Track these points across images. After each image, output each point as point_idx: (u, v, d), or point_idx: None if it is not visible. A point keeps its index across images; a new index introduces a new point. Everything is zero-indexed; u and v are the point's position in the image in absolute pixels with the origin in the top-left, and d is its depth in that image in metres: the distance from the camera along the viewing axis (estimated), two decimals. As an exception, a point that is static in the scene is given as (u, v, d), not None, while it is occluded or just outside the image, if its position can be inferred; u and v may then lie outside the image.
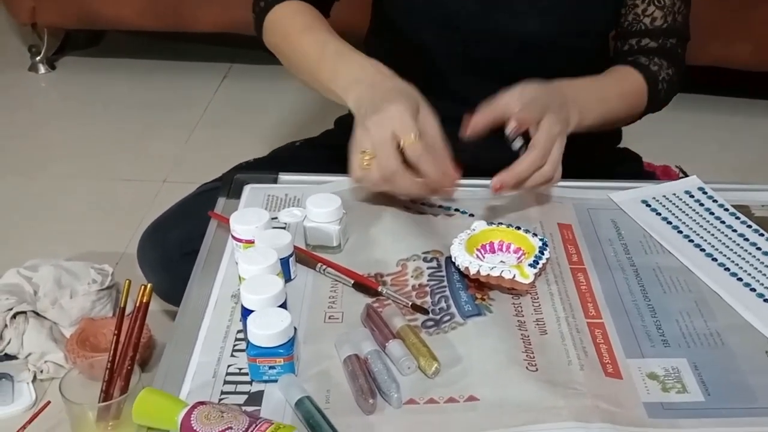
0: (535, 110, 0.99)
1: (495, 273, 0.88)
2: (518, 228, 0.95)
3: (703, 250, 0.99)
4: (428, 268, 0.94)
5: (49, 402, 1.31)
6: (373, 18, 1.29)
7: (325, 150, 1.33)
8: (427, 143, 0.96)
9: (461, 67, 1.19)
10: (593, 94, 1.12)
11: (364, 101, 0.99)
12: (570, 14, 1.16)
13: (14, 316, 1.43)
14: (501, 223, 0.96)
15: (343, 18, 1.28)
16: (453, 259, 0.92)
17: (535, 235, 0.95)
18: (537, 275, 0.89)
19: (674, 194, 1.09)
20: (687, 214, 1.05)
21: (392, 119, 0.94)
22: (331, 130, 1.41)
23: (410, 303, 0.88)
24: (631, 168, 1.35)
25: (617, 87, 1.17)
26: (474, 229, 0.95)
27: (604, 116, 1.14)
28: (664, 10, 1.19)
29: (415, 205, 1.05)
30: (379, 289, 0.90)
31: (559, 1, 1.15)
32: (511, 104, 0.99)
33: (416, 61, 1.18)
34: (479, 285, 0.91)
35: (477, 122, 1.00)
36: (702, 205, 1.07)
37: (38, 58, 2.62)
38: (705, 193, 1.09)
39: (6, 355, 1.42)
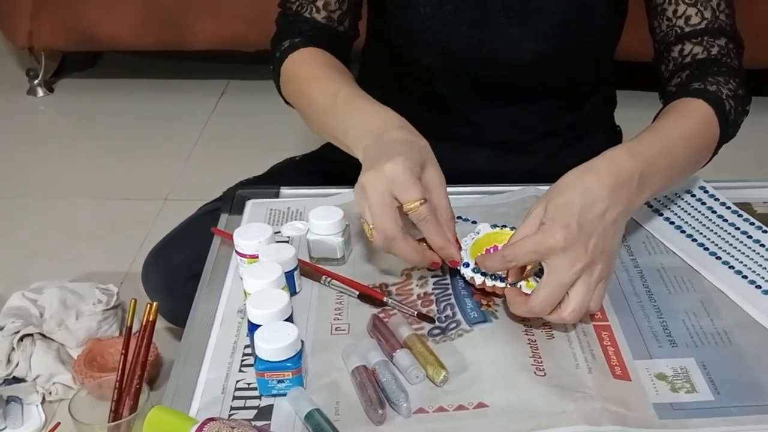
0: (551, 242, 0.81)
1: (500, 284, 0.88)
2: None
3: (706, 249, 0.99)
4: (432, 277, 0.94)
5: (58, 423, 1.30)
6: (370, 32, 1.28)
7: (324, 164, 1.33)
8: (432, 205, 0.88)
9: (459, 88, 1.17)
10: (655, 150, 0.91)
11: (368, 156, 0.92)
12: (567, 35, 1.12)
13: (21, 339, 1.43)
14: (505, 226, 0.96)
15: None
16: (457, 268, 0.91)
17: None
18: None
19: (676, 194, 1.09)
20: (689, 214, 1.05)
21: (391, 177, 0.86)
22: (330, 144, 1.41)
23: (416, 312, 0.88)
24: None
25: (682, 126, 0.96)
26: (478, 233, 0.95)
27: (673, 173, 0.94)
28: (697, 5, 1.05)
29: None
30: (385, 299, 0.90)
31: (556, 23, 1.11)
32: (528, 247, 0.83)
33: (413, 79, 1.17)
34: (484, 291, 0.91)
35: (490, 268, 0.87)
36: (704, 203, 1.07)
37: (36, 81, 2.64)
38: (706, 191, 1.09)
39: (14, 378, 1.42)
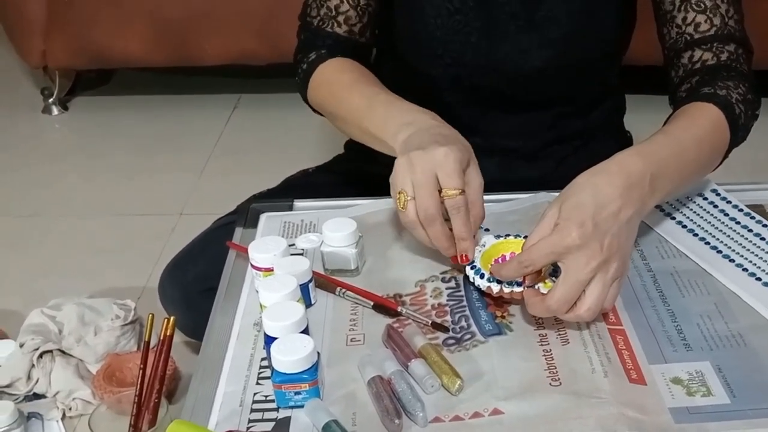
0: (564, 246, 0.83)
1: (518, 289, 0.88)
2: (526, 237, 0.96)
3: (719, 251, 0.99)
4: (447, 288, 0.95)
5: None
6: (378, 42, 1.29)
7: (337, 175, 1.34)
8: (473, 200, 0.91)
9: (467, 97, 1.18)
10: (665, 152, 0.91)
11: (413, 140, 0.93)
12: (575, 43, 1.13)
13: (41, 356, 1.44)
14: (508, 235, 0.97)
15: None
16: (472, 280, 0.92)
17: None
18: None
19: (688, 197, 1.09)
20: (701, 217, 1.05)
21: (439, 161, 0.88)
22: (342, 155, 1.42)
23: (430, 321, 0.89)
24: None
25: (689, 132, 0.96)
26: (484, 245, 0.95)
27: (683, 177, 0.95)
28: (707, 12, 1.05)
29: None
30: (399, 309, 0.91)
31: (564, 32, 1.12)
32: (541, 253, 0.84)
33: (421, 88, 1.17)
34: (499, 302, 0.91)
35: (507, 275, 0.87)
36: (716, 206, 1.07)
37: (51, 99, 2.66)
38: (718, 194, 1.09)
39: (35, 394, 1.43)
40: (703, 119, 0.98)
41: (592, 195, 0.84)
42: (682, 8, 1.06)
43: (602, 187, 0.85)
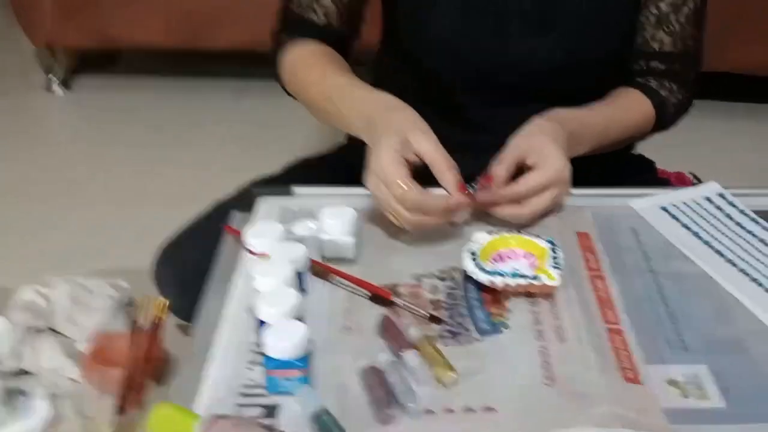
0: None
1: (523, 282, 0.88)
2: (519, 232, 0.96)
3: (723, 255, 0.98)
4: (444, 287, 0.93)
5: (65, 417, 1.31)
6: (384, 40, 1.29)
7: (338, 164, 1.33)
8: (430, 163, 0.95)
9: (477, 96, 1.18)
10: (598, 125, 1.12)
11: (371, 140, 0.99)
12: (586, 42, 1.14)
13: (30, 333, 1.43)
14: (501, 230, 0.96)
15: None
16: (472, 275, 0.91)
17: (538, 236, 0.95)
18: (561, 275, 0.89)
19: (693, 200, 1.08)
20: (707, 220, 1.04)
21: (379, 174, 0.94)
22: (344, 145, 1.41)
23: (426, 313, 0.88)
24: (645, 175, 1.34)
25: (623, 115, 1.17)
26: (479, 241, 0.94)
27: (605, 143, 1.14)
28: (673, 36, 1.18)
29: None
30: (395, 300, 0.89)
31: (574, 30, 1.13)
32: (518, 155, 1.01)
33: (430, 89, 1.18)
34: (496, 299, 0.90)
35: (499, 181, 1.00)
36: (722, 210, 1.06)
37: (54, 79, 2.64)
38: (725, 198, 1.08)
39: (22, 371, 1.42)
40: (637, 113, 1.19)
41: (558, 138, 1.00)
42: (656, 26, 1.18)
43: (560, 136, 1.01)
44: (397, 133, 0.96)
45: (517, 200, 0.99)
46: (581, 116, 1.10)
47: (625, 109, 1.18)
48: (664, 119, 1.21)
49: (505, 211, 0.99)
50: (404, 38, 1.20)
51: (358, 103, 1.05)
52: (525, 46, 1.13)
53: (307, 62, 1.17)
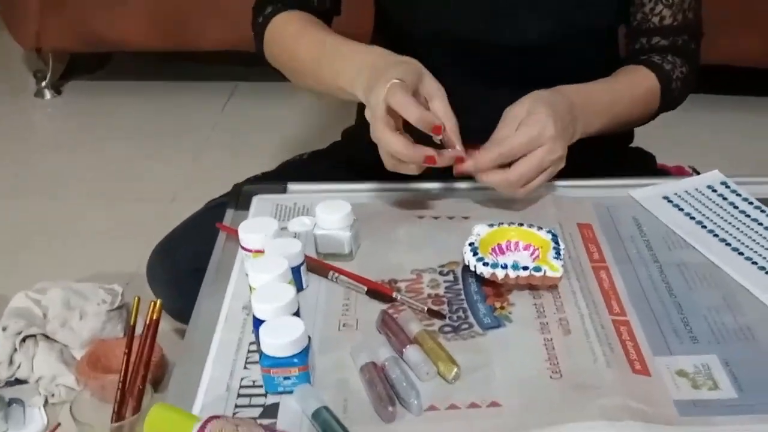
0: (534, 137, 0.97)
1: (524, 273, 0.86)
2: (521, 224, 0.94)
3: (728, 244, 0.96)
4: (444, 282, 0.91)
5: (58, 424, 1.28)
6: (376, 24, 1.28)
7: (333, 161, 1.31)
8: (435, 109, 0.96)
9: (466, 77, 1.16)
10: (603, 99, 1.11)
11: (368, 87, 0.96)
12: (573, 16, 1.14)
13: (24, 340, 1.41)
14: (502, 223, 0.94)
15: (348, 19, 1.26)
16: (472, 268, 0.89)
17: (540, 228, 0.93)
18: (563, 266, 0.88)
19: (696, 189, 1.06)
20: (710, 209, 1.02)
21: (389, 102, 0.92)
22: (339, 142, 1.39)
23: (426, 308, 0.86)
24: (645, 167, 1.32)
25: (629, 90, 1.15)
26: (479, 234, 0.93)
27: (614, 121, 1.12)
28: (673, 8, 1.17)
29: (428, 212, 1.03)
30: (394, 295, 0.87)
31: (560, 4, 1.13)
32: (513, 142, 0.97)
33: None
34: (498, 292, 0.88)
35: (484, 164, 0.97)
36: (725, 199, 1.04)
37: (44, 83, 2.61)
38: (728, 187, 1.06)
39: (17, 379, 1.39)
40: (643, 88, 1.16)
41: (553, 103, 0.99)
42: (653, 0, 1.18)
43: (558, 103, 1.00)
44: (413, 70, 0.96)
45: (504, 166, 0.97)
46: (585, 89, 1.08)
47: (629, 84, 1.16)
48: (670, 95, 1.19)
49: (491, 177, 0.97)
50: (391, 20, 1.19)
51: (359, 55, 1.03)
52: (512, 17, 1.13)
53: (294, 26, 1.16)
